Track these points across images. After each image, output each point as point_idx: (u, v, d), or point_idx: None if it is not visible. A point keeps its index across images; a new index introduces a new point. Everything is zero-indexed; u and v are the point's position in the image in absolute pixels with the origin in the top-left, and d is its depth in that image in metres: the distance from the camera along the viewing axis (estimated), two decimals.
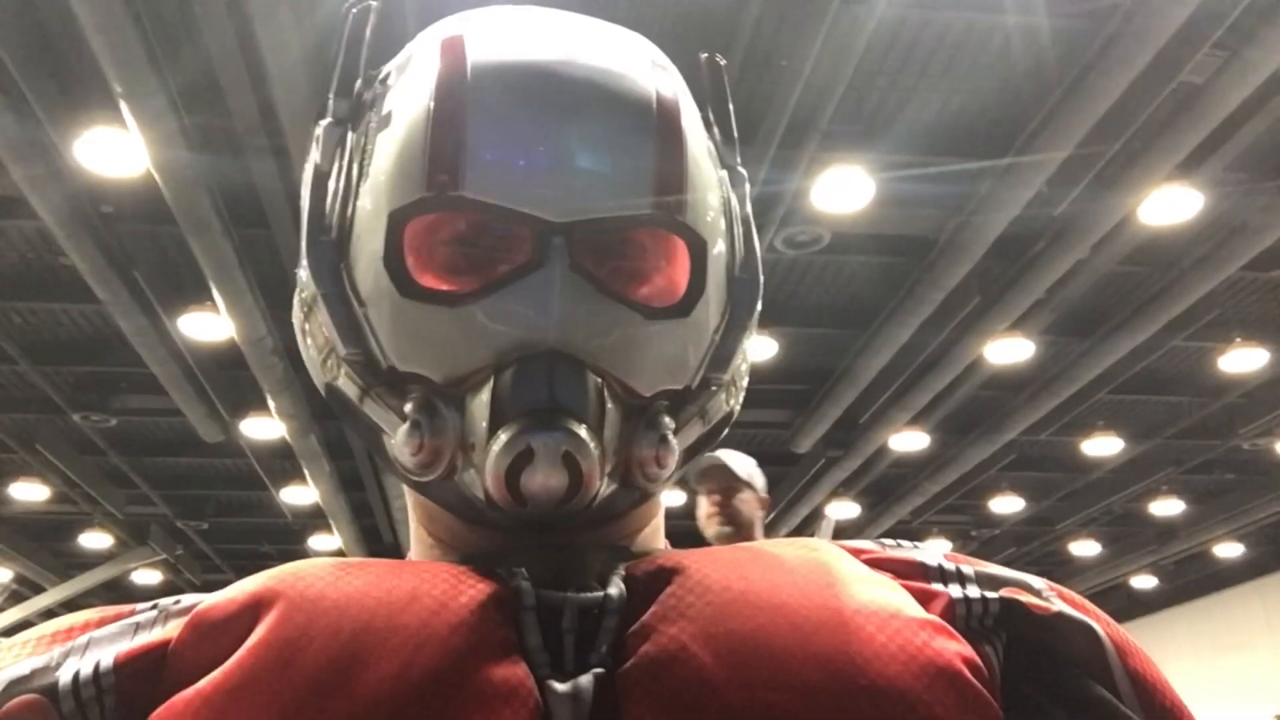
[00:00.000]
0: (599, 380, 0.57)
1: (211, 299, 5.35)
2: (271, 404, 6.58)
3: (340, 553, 10.07)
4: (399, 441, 0.58)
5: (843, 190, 4.92)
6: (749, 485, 2.71)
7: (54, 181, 4.44)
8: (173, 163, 4.20)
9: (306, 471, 7.83)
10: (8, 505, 9.01)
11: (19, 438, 7.68)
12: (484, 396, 0.56)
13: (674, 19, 4.16)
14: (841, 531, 10.09)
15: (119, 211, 4.94)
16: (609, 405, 0.57)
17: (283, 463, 8.22)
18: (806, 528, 9.83)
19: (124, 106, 3.84)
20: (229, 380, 6.81)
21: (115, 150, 4.24)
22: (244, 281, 5.16)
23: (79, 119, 4.17)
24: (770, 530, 11.37)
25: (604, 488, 0.58)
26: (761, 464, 2.75)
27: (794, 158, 4.57)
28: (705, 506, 2.64)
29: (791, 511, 9.32)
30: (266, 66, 3.72)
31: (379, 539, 10.10)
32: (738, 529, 2.61)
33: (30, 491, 8.59)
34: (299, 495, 8.88)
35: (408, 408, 0.58)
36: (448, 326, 0.58)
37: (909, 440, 8.08)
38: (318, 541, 10.32)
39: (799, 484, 8.76)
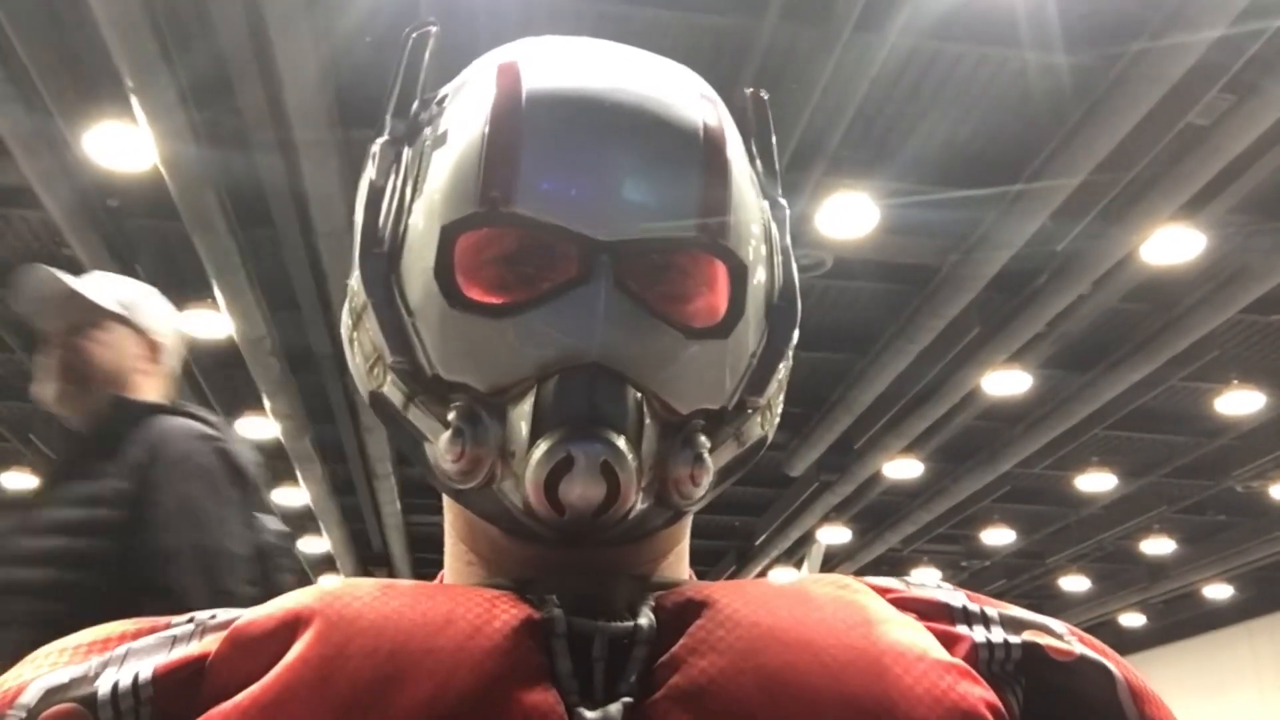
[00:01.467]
0: (639, 395, 0.58)
1: (212, 296, 5.35)
2: (267, 404, 6.57)
3: (330, 556, 10.05)
4: (441, 448, 0.59)
5: (847, 216, 4.93)
6: (120, 319, 1.88)
7: (62, 174, 4.45)
8: (180, 158, 4.21)
9: (299, 473, 7.82)
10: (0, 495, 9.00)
11: (14, 427, 7.67)
12: (526, 406, 0.57)
13: (686, 40, 4.18)
14: (832, 556, 10.08)
15: (125, 205, 4.95)
16: (647, 421, 0.58)
17: (275, 463, 8.19)
18: (798, 551, 9.82)
19: (134, 101, 3.85)
20: (226, 378, 6.81)
21: (124, 144, 4.26)
22: (246, 280, 5.17)
23: (89, 112, 4.18)
24: (761, 552, 11.17)
25: (639, 502, 0.58)
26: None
27: (800, 181, 4.58)
28: (45, 358, 1.87)
29: (783, 534, 9.31)
30: (278, 64, 3.73)
31: (368, 544, 10.08)
32: (85, 385, 1.82)
33: (22, 481, 8.56)
34: (290, 496, 8.85)
35: (451, 415, 0.59)
36: (493, 337, 0.59)
37: (903, 468, 8.08)
38: (306, 544, 10.28)
39: (792, 507, 8.75)
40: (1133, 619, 12.34)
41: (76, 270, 1.97)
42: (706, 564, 10.84)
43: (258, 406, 6.77)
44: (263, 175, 4.60)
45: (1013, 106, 4.61)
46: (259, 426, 7.22)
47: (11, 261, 5.83)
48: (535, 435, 0.56)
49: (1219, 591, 11.15)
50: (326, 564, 10.51)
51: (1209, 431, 7.69)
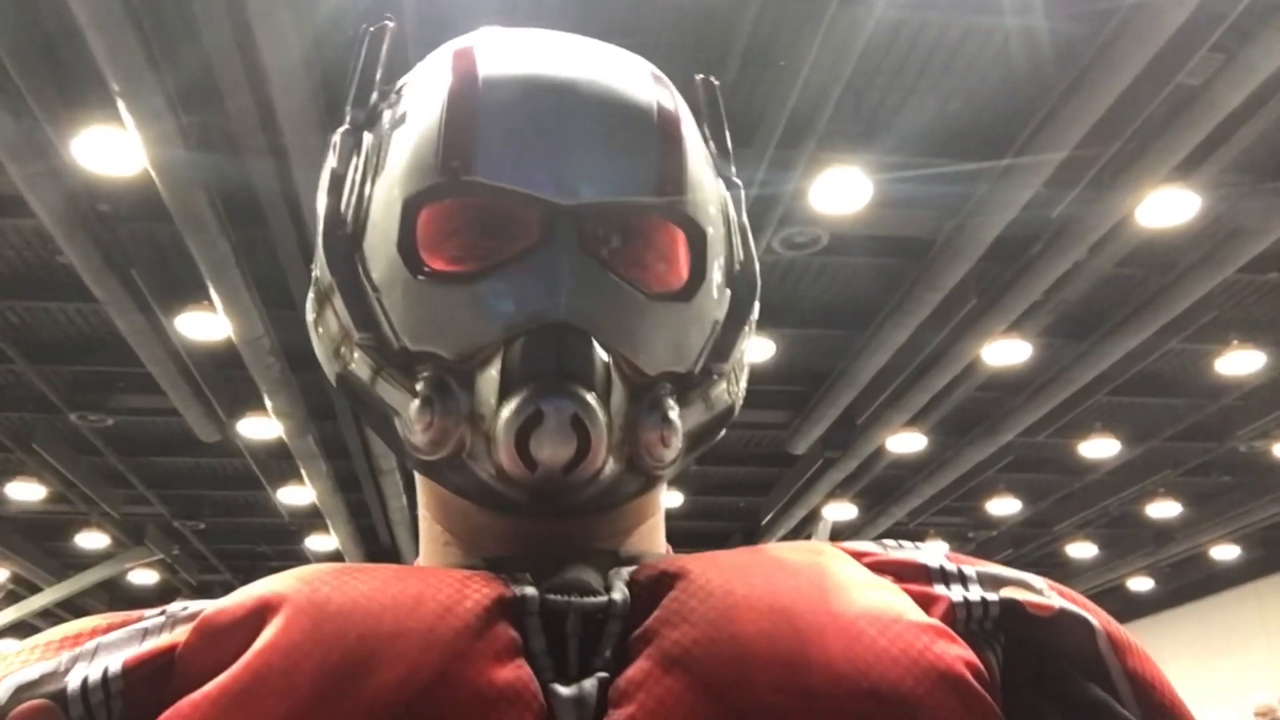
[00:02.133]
0: (605, 354, 0.58)
1: (209, 298, 5.35)
2: (269, 403, 6.57)
3: (338, 553, 10.06)
4: (410, 418, 0.60)
5: (841, 191, 4.92)
6: None
7: (51, 180, 4.43)
8: (170, 162, 4.20)
9: (303, 471, 7.83)
10: (4, 505, 8.99)
11: (15, 437, 7.67)
12: (493, 370, 0.58)
13: (673, 19, 4.15)
14: (839, 533, 10.09)
15: (116, 210, 4.94)
16: (615, 381, 0.59)
17: (279, 463, 8.22)
18: (804, 529, 9.84)
19: (121, 105, 3.84)
20: (226, 380, 6.81)
21: (113, 149, 4.24)
22: (241, 281, 5.16)
23: (77, 117, 4.17)
24: (767, 531, 11.28)
25: (610, 464, 0.58)
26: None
27: (792, 158, 4.57)
28: None
29: (789, 513, 9.32)
30: (265, 66, 3.72)
31: (376, 539, 10.10)
32: None
33: (27, 491, 8.57)
34: (296, 495, 8.87)
35: (419, 386, 0.60)
36: (459, 304, 0.60)
37: (906, 441, 8.09)
38: (314, 542, 10.31)
39: (796, 485, 8.76)
40: (1141, 583, 12.36)
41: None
42: (714, 546, 10.79)
43: (259, 407, 6.77)
44: (253, 175, 4.58)
45: (1001, 75, 4.59)
46: (261, 427, 7.22)
47: (6, 272, 5.83)
48: (504, 394, 0.57)
49: (1226, 552, 11.17)
50: (334, 561, 10.52)
51: (1210, 393, 7.69)
